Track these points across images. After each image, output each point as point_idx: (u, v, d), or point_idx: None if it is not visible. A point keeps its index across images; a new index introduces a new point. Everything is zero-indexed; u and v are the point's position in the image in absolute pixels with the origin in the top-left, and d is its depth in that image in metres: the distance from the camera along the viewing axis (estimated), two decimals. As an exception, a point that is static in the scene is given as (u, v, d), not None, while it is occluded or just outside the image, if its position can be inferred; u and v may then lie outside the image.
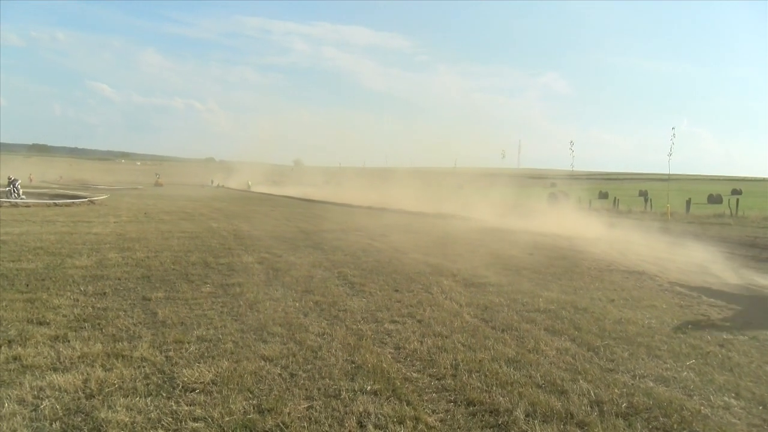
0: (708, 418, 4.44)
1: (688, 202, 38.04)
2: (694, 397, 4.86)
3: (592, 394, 4.77)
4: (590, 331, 6.80)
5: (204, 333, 6.10)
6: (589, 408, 4.51)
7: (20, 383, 4.53)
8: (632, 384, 5.08)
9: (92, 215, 20.97)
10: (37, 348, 5.38)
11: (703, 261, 13.68)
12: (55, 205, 25.55)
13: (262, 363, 5.25)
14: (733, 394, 4.99)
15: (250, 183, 72.06)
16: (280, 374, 5.00)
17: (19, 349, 5.32)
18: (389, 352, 5.77)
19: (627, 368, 5.52)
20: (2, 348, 5.34)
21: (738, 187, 70.80)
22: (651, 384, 5.11)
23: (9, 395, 4.29)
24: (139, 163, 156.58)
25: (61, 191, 37.77)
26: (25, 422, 3.91)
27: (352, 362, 5.39)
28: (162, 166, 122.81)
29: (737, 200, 38.17)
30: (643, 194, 52.29)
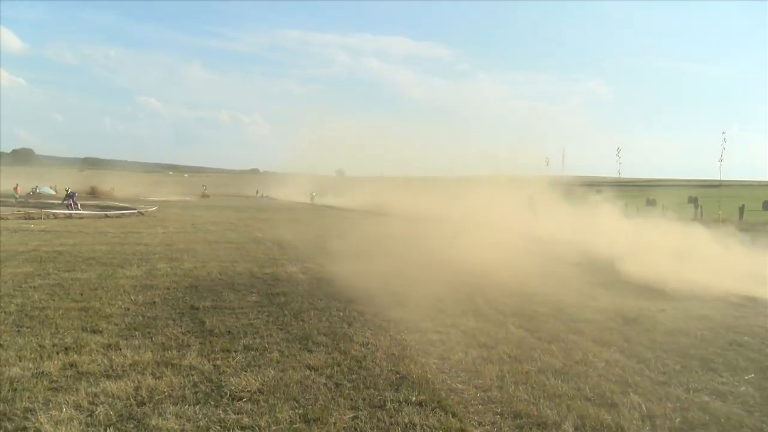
0: (769, 435, 4.24)
1: (741, 209, 36.58)
2: (755, 414, 4.65)
3: (644, 408, 4.62)
4: (640, 343, 6.61)
5: (250, 342, 6.20)
6: (640, 422, 4.37)
7: (76, 389, 4.69)
8: (686, 398, 4.90)
9: (141, 226, 21.61)
10: (91, 355, 5.57)
11: (759, 269, 13.10)
12: (107, 216, 26.45)
13: (308, 372, 5.29)
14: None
15: (314, 194, 68.13)
16: (325, 384, 5.03)
17: (75, 356, 5.52)
18: (434, 363, 5.73)
19: (680, 381, 5.33)
20: (60, 355, 5.56)
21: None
22: (706, 398, 4.92)
23: (66, 400, 4.45)
24: (186, 175, 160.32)
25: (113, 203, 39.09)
26: (81, 427, 4.04)
27: (397, 372, 5.37)
28: (209, 178, 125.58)
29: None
30: (693, 201, 50.48)
